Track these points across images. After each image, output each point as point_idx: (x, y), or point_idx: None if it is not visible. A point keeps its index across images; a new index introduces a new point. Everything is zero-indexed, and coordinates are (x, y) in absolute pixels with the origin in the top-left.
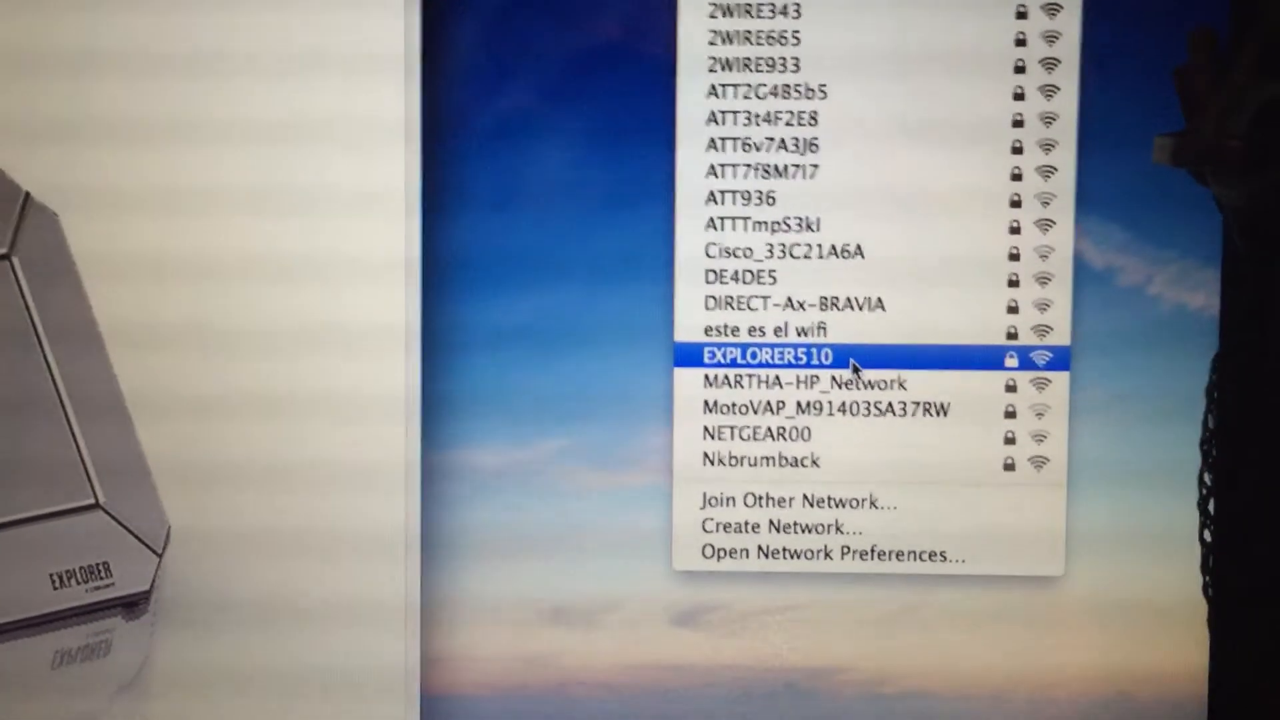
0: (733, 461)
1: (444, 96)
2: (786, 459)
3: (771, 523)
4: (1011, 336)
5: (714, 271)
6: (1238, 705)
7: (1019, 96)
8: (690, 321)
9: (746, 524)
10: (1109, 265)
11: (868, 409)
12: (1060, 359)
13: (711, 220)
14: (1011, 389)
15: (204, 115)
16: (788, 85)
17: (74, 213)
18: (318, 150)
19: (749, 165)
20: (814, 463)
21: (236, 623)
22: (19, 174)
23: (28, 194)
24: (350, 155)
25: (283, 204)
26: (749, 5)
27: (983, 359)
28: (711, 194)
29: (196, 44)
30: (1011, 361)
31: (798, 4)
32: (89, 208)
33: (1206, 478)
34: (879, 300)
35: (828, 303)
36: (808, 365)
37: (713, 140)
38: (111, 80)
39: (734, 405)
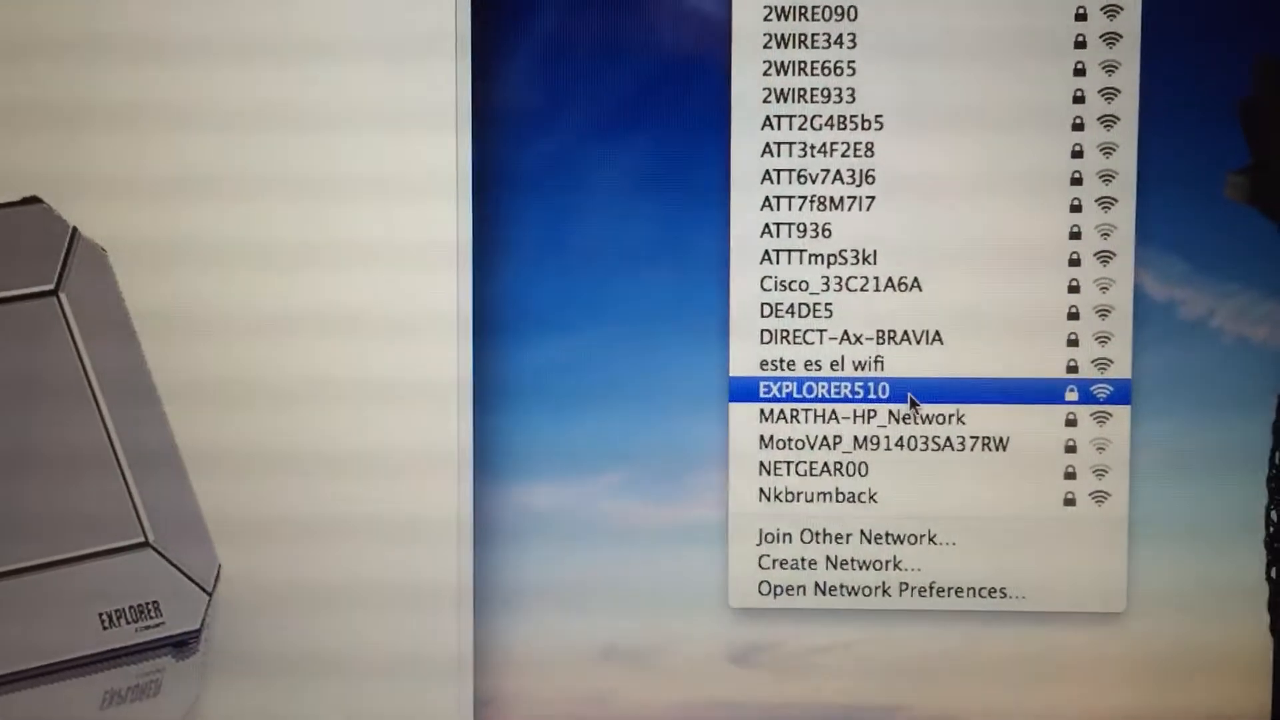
0: (789, 497)
1: (494, 146)
2: (844, 495)
3: (829, 559)
4: (1072, 370)
5: (769, 305)
6: None
7: (1078, 126)
8: (745, 356)
9: (803, 560)
10: (1170, 298)
11: (926, 444)
12: (1121, 393)
13: (767, 253)
14: (1072, 423)
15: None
16: (843, 116)
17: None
18: (370, 207)
19: (804, 197)
20: (872, 498)
21: (286, 673)
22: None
23: (75, 229)
24: (402, 206)
25: (330, 253)
26: (804, 36)
27: (1043, 393)
28: (767, 226)
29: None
30: (1072, 395)
31: (853, 34)
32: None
33: (1273, 514)
34: (937, 334)
35: (885, 336)
36: (865, 400)
37: (767, 172)
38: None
39: (790, 440)
